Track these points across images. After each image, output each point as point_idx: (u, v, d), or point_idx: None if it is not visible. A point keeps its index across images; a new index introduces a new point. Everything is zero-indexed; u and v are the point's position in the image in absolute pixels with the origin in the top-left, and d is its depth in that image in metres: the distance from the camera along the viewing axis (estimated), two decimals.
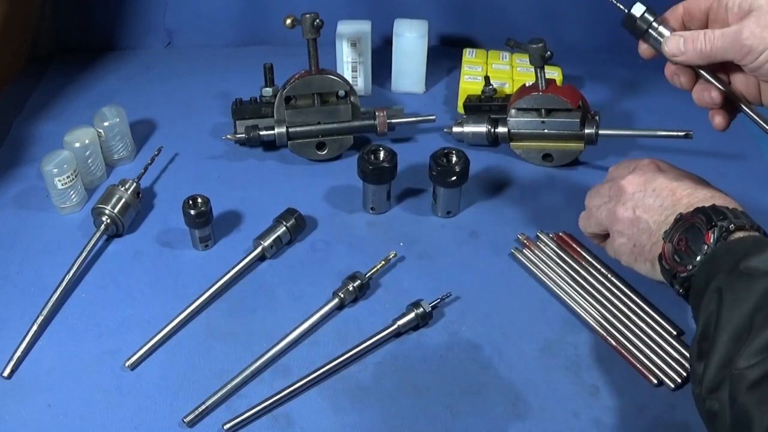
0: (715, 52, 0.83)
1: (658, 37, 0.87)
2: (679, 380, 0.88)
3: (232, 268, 0.99)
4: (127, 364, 0.89)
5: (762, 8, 0.79)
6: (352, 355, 0.90)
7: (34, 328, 0.92)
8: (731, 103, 0.88)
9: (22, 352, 0.90)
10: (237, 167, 1.19)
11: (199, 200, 1.01)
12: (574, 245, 1.04)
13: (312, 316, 0.94)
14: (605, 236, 0.95)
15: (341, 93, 1.18)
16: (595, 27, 1.45)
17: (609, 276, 1.00)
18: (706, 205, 0.82)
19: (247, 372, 0.88)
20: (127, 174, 1.13)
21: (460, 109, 1.27)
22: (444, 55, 1.42)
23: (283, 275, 1.02)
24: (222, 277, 0.98)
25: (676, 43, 0.86)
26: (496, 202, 1.13)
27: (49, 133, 1.24)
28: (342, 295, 0.95)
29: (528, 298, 0.99)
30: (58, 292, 0.96)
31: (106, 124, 1.14)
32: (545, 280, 1.00)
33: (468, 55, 1.37)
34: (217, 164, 1.19)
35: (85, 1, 1.41)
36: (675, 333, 0.93)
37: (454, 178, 1.05)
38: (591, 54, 1.46)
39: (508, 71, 1.32)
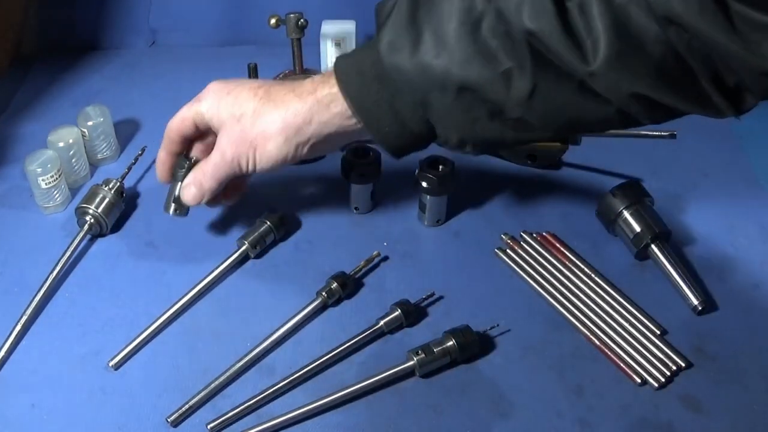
0: (224, 176, 0.92)
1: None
2: (663, 379, 0.88)
3: (216, 267, 0.99)
4: (111, 364, 0.89)
5: (225, 123, 0.89)
6: (335, 355, 0.90)
7: (18, 328, 0.92)
8: None
9: (5, 352, 0.90)
10: None
11: None
12: (558, 245, 1.04)
13: (296, 315, 0.94)
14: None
15: None
16: None
17: (592, 275, 1.00)
18: None
19: (231, 371, 0.88)
20: (110, 173, 1.12)
21: None
22: None
23: (267, 275, 1.01)
24: (206, 277, 0.98)
25: (190, 193, 0.94)
26: (480, 203, 1.13)
27: (32, 132, 1.23)
28: (326, 295, 0.95)
29: (512, 297, 0.99)
30: (42, 292, 0.95)
31: (90, 123, 1.14)
32: (529, 279, 1.00)
33: None
34: None
35: (69, 1, 1.40)
36: (658, 332, 0.93)
37: (442, 186, 1.04)
38: None
39: None
